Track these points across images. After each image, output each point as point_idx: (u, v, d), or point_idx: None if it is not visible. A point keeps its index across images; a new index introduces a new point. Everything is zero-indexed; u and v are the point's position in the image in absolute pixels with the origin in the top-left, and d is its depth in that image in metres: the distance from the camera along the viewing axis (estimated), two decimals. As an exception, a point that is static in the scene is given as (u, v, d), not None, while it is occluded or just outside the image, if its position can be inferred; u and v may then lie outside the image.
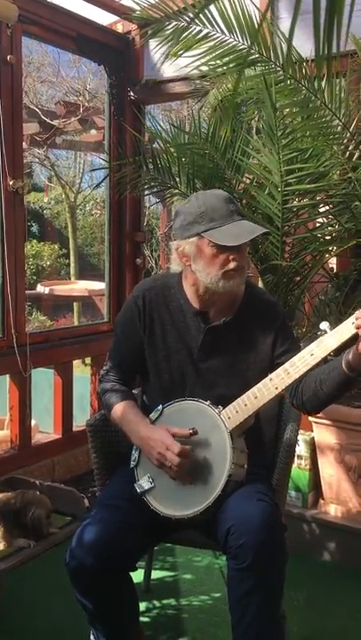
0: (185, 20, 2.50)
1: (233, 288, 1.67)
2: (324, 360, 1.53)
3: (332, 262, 3.06)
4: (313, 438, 2.62)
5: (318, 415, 2.54)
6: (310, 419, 2.57)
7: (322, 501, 2.62)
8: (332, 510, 2.58)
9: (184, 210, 1.68)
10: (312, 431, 2.62)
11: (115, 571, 1.55)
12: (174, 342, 1.74)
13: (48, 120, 7.25)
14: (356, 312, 1.43)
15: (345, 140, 2.48)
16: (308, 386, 1.62)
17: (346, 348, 1.51)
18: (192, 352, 1.73)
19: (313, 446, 2.63)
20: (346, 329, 1.46)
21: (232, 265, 1.62)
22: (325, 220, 2.69)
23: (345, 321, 1.46)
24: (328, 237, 2.64)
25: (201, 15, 2.37)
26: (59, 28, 3.13)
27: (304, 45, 1.65)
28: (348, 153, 2.51)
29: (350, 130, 2.42)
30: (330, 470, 2.58)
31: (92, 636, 1.72)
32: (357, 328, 1.42)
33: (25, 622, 2.14)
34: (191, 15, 2.46)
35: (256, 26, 2.37)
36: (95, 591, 1.56)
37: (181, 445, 1.57)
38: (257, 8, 2.54)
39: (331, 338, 1.48)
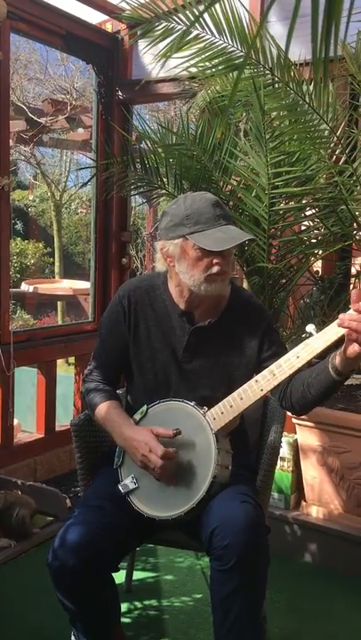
0: (175, 21, 2.50)
1: (215, 292, 1.67)
2: (309, 363, 1.53)
3: (318, 265, 3.08)
4: (296, 440, 2.64)
5: (302, 417, 2.55)
6: (294, 421, 2.59)
7: (304, 503, 2.63)
8: (315, 512, 2.59)
9: (171, 211, 1.68)
10: (295, 433, 2.64)
11: (97, 572, 1.55)
12: (159, 343, 1.74)
13: (35, 118, 7.21)
14: (340, 315, 1.43)
15: (332, 145, 2.50)
16: (297, 389, 1.63)
17: (331, 350, 1.52)
18: (177, 353, 1.73)
19: (296, 448, 2.64)
20: (332, 332, 1.47)
21: (215, 269, 1.62)
22: (311, 224, 2.71)
23: (331, 324, 1.47)
24: (314, 240, 2.66)
25: (191, 16, 2.37)
26: (47, 26, 3.12)
27: (293, 49, 1.66)
28: (334, 157, 2.54)
29: (337, 134, 2.44)
30: (312, 472, 2.59)
31: (72, 637, 1.71)
32: (341, 326, 1.41)
33: (6, 622, 2.12)
34: (181, 16, 2.46)
35: (246, 28, 2.37)
36: (77, 592, 1.55)
37: (165, 448, 1.57)
38: (247, 10, 2.55)
39: (317, 340, 1.49)
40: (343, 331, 1.41)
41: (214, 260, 1.62)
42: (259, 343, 1.73)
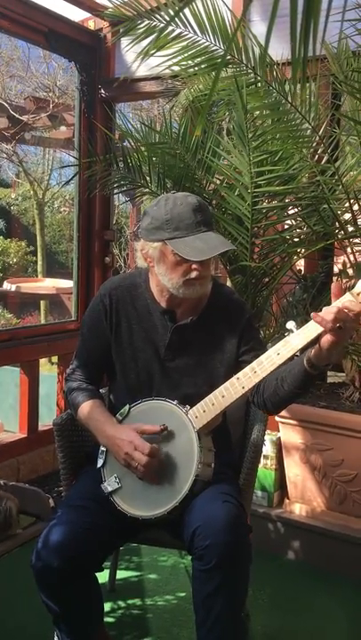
0: (157, 20, 2.49)
1: (193, 295, 1.67)
2: (290, 359, 1.54)
3: (300, 264, 3.09)
4: (279, 438, 2.65)
5: (284, 415, 2.57)
6: (277, 419, 2.60)
7: (287, 501, 2.65)
8: (297, 509, 2.61)
9: (152, 212, 1.66)
10: (278, 431, 2.65)
11: (81, 572, 1.54)
12: (141, 341, 1.74)
13: (17, 115, 7.17)
14: (313, 314, 1.44)
15: (314, 144, 2.51)
16: (270, 384, 1.63)
17: (311, 347, 1.53)
18: (159, 351, 1.73)
19: (279, 446, 2.66)
20: (312, 328, 1.48)
21: (194, 274, 1.62)
22: (294, 223, 2.72)
23: (311, 321, 1.48)
24: (296, 239, 2.67)
25: (174, 14, 2.37)
26: (29, 23, 3.09)
27: (275, 48, 1.66)
28: (316, 156, 2.55)
29: (319, 133, 2.45)
30: (295, 470, 2.60)
31: (55, 637, 1.70)
32: (318, 322, 1.42)
33: (-13, 624, 2.11)
34: (164, 14, 2.46)
35: (228, 27, 2.38)
36: (61, 592, 1.54)
37: (151, 445, 1.57)
38: (229, 9, 2.55)
39: (297, 337, 1.49)
40: (337, 306, 1.41)
41: (193, 266, 1.61)
42: (238, 339, 1.73)
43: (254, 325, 1.84)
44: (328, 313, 1.40)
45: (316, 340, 1.48)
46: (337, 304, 1.42)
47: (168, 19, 2.43)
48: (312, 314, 1.43)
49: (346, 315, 1.39)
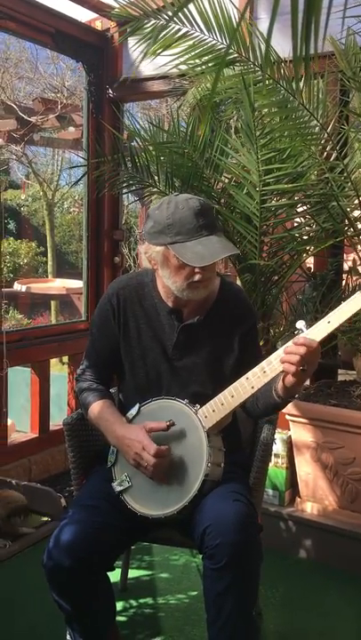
0: (164, 19, 2.49)
1: (197, 297, 1.67)
2: None
3: (310, 262, 3.08)
4: (290, 437, 2.64)
5: (295, 414, 2.56)
6: (287, 417, 2.59)
7: (298, 499, 2.64)
8: (309, 508, 2.60)
9: (154, 216, 1.65)
10: (289, 430, 2.64)
11: (92, 571, 1.55)
12: (149, 341, 1.74)
13: (25, 117, 7.19)
14: (288, 347, 1.48)
15: (322, 141, 2.50)
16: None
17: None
18: (167, 350, 1.73)
19: (290, 445, 2.65)
20: (322, 327, 1.47)
21: (197, 277, 1.62)
22: (303, 220, 2.71)
23: (321, 320, 1.48)
24: (306, 237, 2.66)
25: (180, 14, 2.37)
26: (36, 24, 3.10)
27: (283, 46, 1.66)
28: (325, 153, 2.54)
29: (328, 130, 2.44)
30: (306, 468, 2.60)
31: (68, 636, 1.71)
32: (282, 362, 1.49)
33: (1, 622, 2.12)
34: (170, 13, 2.46)
35: (235, 25, 2.37)
36: (72, 591, 1.55)
37: (157, 446, 1.57)
38: (236, 8, 2.54)
39: (309, 336, 1.49)
40: (333, 327, 1.43)
41: (196, 270, 1.61)
42: (243, 340, 1.74)
43: (257, 331, 1.87)
44: (292, 355, 1.46)
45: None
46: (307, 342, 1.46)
47: (175, 18, 2.43)
48: (279, 357, 1.50)
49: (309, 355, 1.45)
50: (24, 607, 2.20)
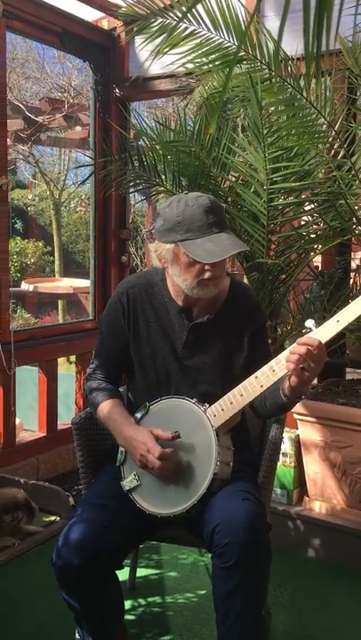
0: (171, 17, 2.49)
1: (207, 295, 1.67)
2: None
3: (318, 260, 3.07)
4: (298, 436, 2.64)
5: (303, 412, 2.55)
6: (295, 416, 2.59)
7: (307, 498, 2.63)
8: (317, 507, 2.59)
9: (164, 214, 1.65)
10: (297, 428, 2.64)
11: (101, 570, 1.55)
12: (158, 339, 1.74)
13: (32, 116, 7.20)
14: (292, 347, 1.49)
15: (330, 139, 2.49)
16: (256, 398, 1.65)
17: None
18: (176, 349, 1.73)
19: (298, 444, 2.64)
20: (330, 326, 1.47)
21: (207, 275, 1.62)
22: (310, 219, 2.70)
23: (330, 319, 1.47)
24: (313, 235, 2.66)
25: (185, 11, 2.36)
26: (43, 24, 3.11)
27: (290, 44, 1.65)
28: (333, 151, 2.53)
29: (335, 128, 2.43)
30: (315, 467, 2.59)
31: (77, 635, 1.72)
32: (287, 361, 1.49)
33: (10, 621, 2.13)
34: (177, 12, 2.45)
35: (242, 24, 2.36)
36: (81, 590, 1.55)
37: (162, 449, 1.57)
38: (243, 5, 2.54)
39: (316, 336, 1.49)
40: (342, 326, 1.43)
41: (206, 267, 1.61)
42: (252, 339, 1.74)
43: (266, 330, 1.87)
44: (293, 354, 1.47)
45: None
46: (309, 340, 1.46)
47: (181, 16, 2.42)
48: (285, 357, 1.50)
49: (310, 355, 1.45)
50: (33, 606, 2.20)
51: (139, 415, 1.70)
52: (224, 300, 1.75)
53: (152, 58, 2.51)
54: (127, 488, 1.66)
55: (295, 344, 1.48)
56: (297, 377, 1.49)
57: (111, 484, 1.69)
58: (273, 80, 2.36)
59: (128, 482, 1.67)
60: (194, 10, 2.37)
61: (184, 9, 2.38)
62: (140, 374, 1.77)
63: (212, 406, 1.60)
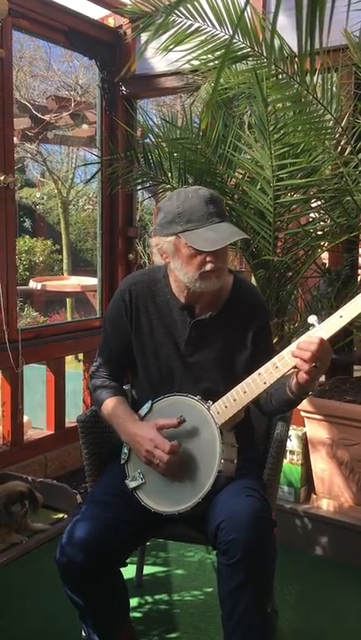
0: (176, 14, 2.48)
1: (209, 288, 1.66)
2: None
3: (325, 257, 3.06)
4: (305, 433, 2.63)
5: (310, 410, 2.55)
6: (302, 414, 2.58)
7: (314, 496, 2.63)
8: (325, 505, 2.59)
9: (164, 207, 1.67)
10: (304, 426, 2.63)
11: (105, 567, 1.55)
12: (161, 337, 1.74)
13: (39, 115, 7.22)
14: (297, 341, 1.48)
15: (337, 135, 2.47)
16: (261, 395, 1.63)
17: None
18: (179, 346, 1.73)
19: (305, 441, 2.63)
20: (334, 322, 1.46)
21: (209, 267, 1.62)
22: (317, 215, 2.68)
23: (333, 314, 1.46)
24: (320, 232, 2.64)
25: (191, 8, 2.36)
26: (50, 22, 3.11)
27: (295, 39, 1.65)
28: (339, 148, 2.51)
29: (342, 125, 2.42)
30: (322, 465, 2.58)
31: (83, 632, 1.72)
32: (295, 357, 1.48)
33: (16, 618, 2.14)
34: (183, 9, 2.44)
35: (247, 20, 2.35)
36: (85, 587, 1.56)
37: (171, 443, 1.57)
38: (247, 1, 2.52)
39: (319, 331, 1.48)
40: (346, 321, 1.42)
41: (207, 258, 1.61)
42: (255, 337, 1.73)
43: (270, 327, 1.86)
44: (304, 351, 1.45)
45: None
46: (315, 340, 1.45)
47: (187, 14, 2.42)
48: (292, 352, 1.49)
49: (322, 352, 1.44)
50: (40, 602, 2.21)
51: (142, 413, 1.71)
52: (227, 297, 1.75)
53: (157, 55, 2.51)
54: (132, 486, 1.66)
55: (303, 340, 1.46)
56: (307, 374, 1.48)
57: (116, 481, 1.69)
58: (279, 77, 2.35)
59: (132, 480, 1.67)
60: (199, 6, 2.37)
61: (189, 5, 2.38)
62: (143, 371, 1.77)
63: (216, 403, 1.60)
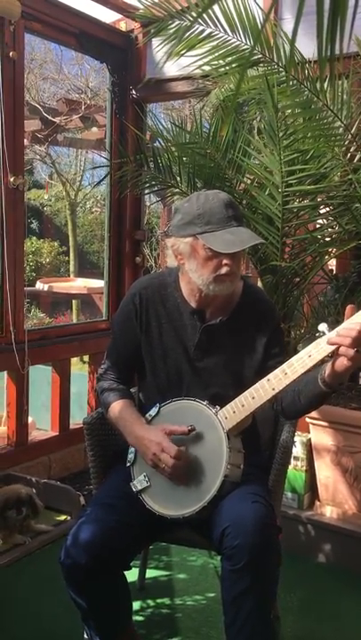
0: (188, 20, 2.49)
1: (223, 292, 1.67)
2: (322, 361, 1.52)
3: (332, 264, 3.06)
4: (310, 440, 2.62)
5: (315, 416, 2.54)
6: (307, 420, 2.57)
7: (318, 503, 2.62)
8: (328, 512, 2.58)
9: (183, 209, 1.67)
10: (309, 432, 2.62)
11: (109, 570, 1.55)
12: (171, 341, 1.74)
13: (50, 117, 7.24)
14: (307, 348, 1.45)
15: (346, 142, 2.48)
16: (287, 394, 1.63)
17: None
18: (188, 351, 1.73)
19: (310, 448, 2.63)
20: None
21: (224, 270, 1.62)
22: (325, 222, 2.69)
23: (343, 323, 1.46)
24: (328, 239, 2.64)
25: (204, 14, 2.36)
26: (61, 25, 3.13)
27: (307, 46, 1.65)
28: (349, 155, 2.51)
29: (352, 132, 2.42)
30: (326, 472, 2.58)
31: (85, 634, 1.72)
32: (335, 345, 1.43)
33: (18, 620, 2.14)
34: (194, 14, 2.46)
35: (259, 26, 2.36)
36: (89, 590, 1.56)
37: (178, 448, 1.57)
38: (260, 8, 2.53)
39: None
40: (356, 330, 1.40)
41: (224, 261, 1.61)
42: (266, 342, 1.72)
43: (282, 330, 1.84)
44: (345, 337, 1.40)
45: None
46: (355, 326, 1.40)
47: (199, 19, 2.43)
48: (328, 338, 1.44)
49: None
50: (43, 604, 2.21)
51: (149, 416, 1.71)
52: (238, 302, 1.75)
53: (169, 60, 2.52)
54: (137, 489, 1.66)
55: (338, 329, 1.43)
56: (349, 360, 1.42)
57: (121, 484, 1.69)
58: (290, 83, 2.36)
59: (138, 482, 1.67)
60: (211, 12, 2.38)
61: (201, 10, 2.39)
62: (152, 375, 1.77)
63: (224, 409, 1.60)
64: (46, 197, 11.53)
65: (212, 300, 1.70)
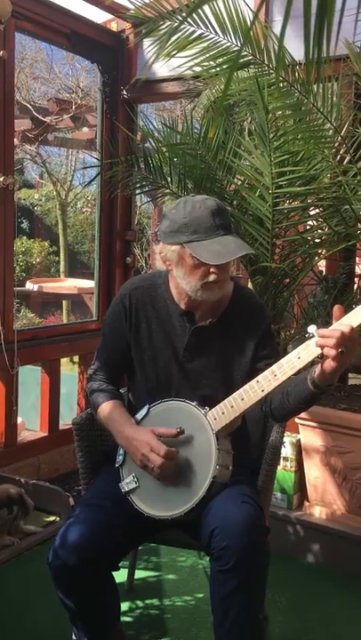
0: (179, 21, 2.49)
1: (211, 298, 1.66)
2: (312, 363, 1.52)
3: (322, 265, 3.07)
4: (299, 440, 2.63)
5: (304, 417, 2.55)
6: (297, 420, 2.58)
7: (307, 503, 2.63)
8: (317, 512, 2.59)
9: (170, 215, 1.65)
10: (298, 433, 2.63)
11: (97, 570, 1.55)
12: (160, 342, 1.74)
13: (40, 117, 7.23)
14: (320, 330, 1.43)
15: (336, 144, 2.49)
16: (276, 396, 1.62)
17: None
18: (178, 352, 1.73)
19: (299, 448, 2.64)
20: (359, 313, 1.44)
21: (212, 278, 1.61)
22: (315, 223, 2.70)
23: (332, 325, 1.46)
24: (318, 240, 2.65)
25: (195, 15, 2.37)
26: (52, 25, 3.12)
27: (298, 48, 1.66)
28: (338, 157, 2.52)
29: (341, 134, 2.43)
30: (315, 472, 2.58)
31: (73, 635, 1.72)
32: (320, 347, 1.42)
33: (6, 620, 2.13)
34: (185, 14, 2.46)
35: (249, 27, 2.37)
36: (77, 591, 1.55)
37: (167, 447, 1.57)
38: (251, 10, 2.54)
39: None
40: (339, 330, 1.40)
41: (211, 269, 1.60)
42: (256, 344, 1.72)
43: (272, 332, 1.84)
44: (328, 338, 1.39)
45: None
46: (339, 327, 1.40)
47: (190, 20, 2.43)
48: (315, 340, 1.43)
49: (347, 339, 1.38)
50: (31, 605, 2.21)
51: (139, 417, 1.71)
52: (227, 304, 1.75)
53: (160, 60, 2.52)
54: (126, 490, 1.66)
55: (320, 330, 1.42)
56: (333, 360, 1.42)
57: (110, 485, 1.69)
58: (280, 84, 2.36)
59: (127, 483, 1.67)
60: (202, 13, 2.38)
61: (190, 10, 2.39)
62: (141, 376, 1.77)
63: (213, 409, 1.60)
64: (37, 197, 11.50)
65: (201, 302, 1.70)
